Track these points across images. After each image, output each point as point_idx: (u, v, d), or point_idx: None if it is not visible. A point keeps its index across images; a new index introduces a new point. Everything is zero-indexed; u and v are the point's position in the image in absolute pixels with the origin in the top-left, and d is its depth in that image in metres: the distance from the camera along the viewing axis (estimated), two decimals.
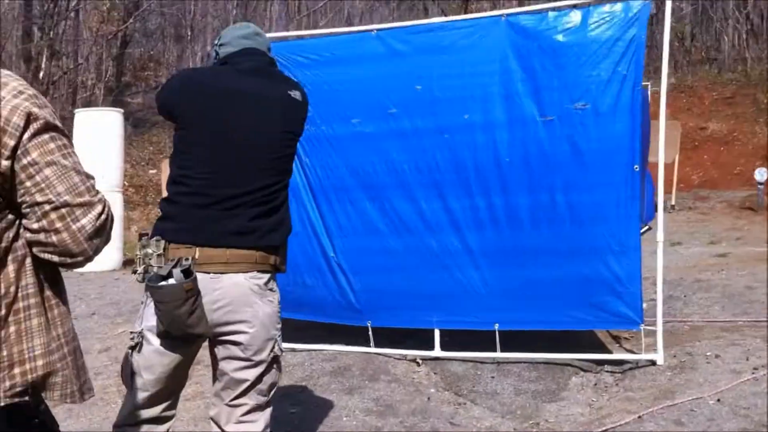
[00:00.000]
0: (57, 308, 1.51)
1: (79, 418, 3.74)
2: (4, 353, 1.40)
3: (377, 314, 4.50)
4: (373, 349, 4.49)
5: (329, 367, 4.34)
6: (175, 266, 2.13)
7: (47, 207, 1.41)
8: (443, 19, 4.63)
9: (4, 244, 1.41)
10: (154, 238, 2.22)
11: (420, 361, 4.40)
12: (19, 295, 1.43)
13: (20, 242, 1.44)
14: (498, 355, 4.22)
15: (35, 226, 1.42)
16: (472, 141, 4.20)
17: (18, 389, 1.41)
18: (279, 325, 2.33)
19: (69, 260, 1.47)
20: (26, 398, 1.43)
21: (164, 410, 2.32)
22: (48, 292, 1.50)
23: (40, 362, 1.44)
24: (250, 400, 2.29)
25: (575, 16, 4.02)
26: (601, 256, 4.02)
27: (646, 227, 7.93)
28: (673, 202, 11.91)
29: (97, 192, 1.49)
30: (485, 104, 4.16)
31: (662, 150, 4.10)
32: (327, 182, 4.52)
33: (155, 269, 2.16)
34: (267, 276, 2.29)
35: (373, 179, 4.41)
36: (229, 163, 2.23)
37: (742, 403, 3.45)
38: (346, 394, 3.96)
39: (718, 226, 10.18)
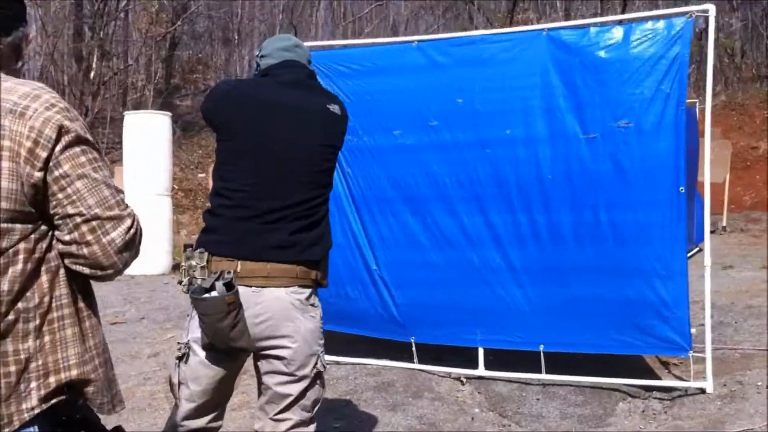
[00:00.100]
0: (89, 320, 1.54)
1: (128, 423, 3.77)
2: (40, 362, 1.42)
3: (420, 329, 4.48)
4: (417, 366, 4.47)
5: (373, 382, 4.34)
6: (217, 279, 2.15)
7: (78, 219, 1.44)
8: (483, 31, 4.61)
9: (37, 255, 1.43)
10: (198, 250, 2.24)
11: (464, 380, 4.36)
12: (54, 305, 1.45)
13: (53, 253, 1.46)
14: (543, 377, 4.17)
15: (67, 237, 1.45)
16: (513, 156, 4.18)
17: (52, 389, 1.44)
18: (321, 341, 2.33)
19: (99, 272, 1.49)
20: (63, 396, 1.45)
21: (210, 421, 2.34)
22: (81, 304, 1.52)
23: (74, 372, 1.47)
24: (294, 415, 2.28)
25: (617, 33, 3.98)
26: (646, 278, 3.95)
27: (696, 248, 7.74)
28: (724, 224, 11.58)
29: (127, 206, 1.51)
30: (526, 118, 4.15)
31: (707, 168, 4.02)
32: (369, 193, 4.53)
33: (199, 281, 2.19)
34: (308, 291, 2.28)
35: (414, 191, 4.41)
36: (270, 175, 2.24)
37: None
38: (389, 410, 3.95)
39: None
